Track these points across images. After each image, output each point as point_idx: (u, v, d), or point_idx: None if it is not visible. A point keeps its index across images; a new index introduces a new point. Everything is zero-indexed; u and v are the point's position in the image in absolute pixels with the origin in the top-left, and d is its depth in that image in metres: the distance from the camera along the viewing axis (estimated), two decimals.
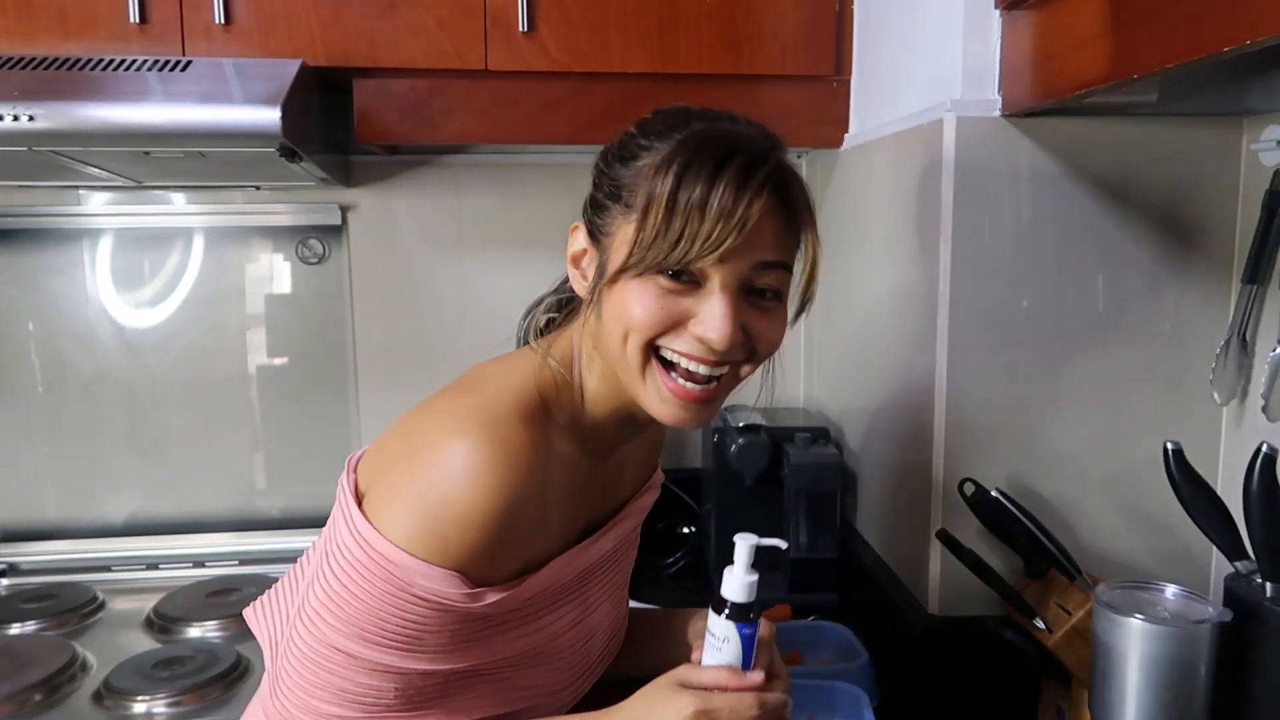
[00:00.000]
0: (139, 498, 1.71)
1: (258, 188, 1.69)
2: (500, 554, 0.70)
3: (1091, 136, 1.07)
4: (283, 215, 1.69)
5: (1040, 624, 1.02)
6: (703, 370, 0.72)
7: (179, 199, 1.69)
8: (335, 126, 1.52)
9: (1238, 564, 0.93)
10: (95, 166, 1.41)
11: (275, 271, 1.71)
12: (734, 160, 0.68)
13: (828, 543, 1.42)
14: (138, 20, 1.33)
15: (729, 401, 1.76)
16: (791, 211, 0.73)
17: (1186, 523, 0.95)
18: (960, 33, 1.08)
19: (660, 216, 0.68)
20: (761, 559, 0.77)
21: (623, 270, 0.71)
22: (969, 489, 1.05)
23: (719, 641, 0.77)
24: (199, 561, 1.66)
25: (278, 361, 1.73)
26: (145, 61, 1.28)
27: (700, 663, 0.78)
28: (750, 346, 0.74)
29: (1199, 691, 0.88)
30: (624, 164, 0.73)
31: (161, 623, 1.42)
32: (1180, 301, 1.11)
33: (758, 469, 1.43)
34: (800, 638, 1.25)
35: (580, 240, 0.78)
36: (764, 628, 0.78)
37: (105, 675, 1.24)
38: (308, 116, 1.34)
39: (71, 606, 1.47)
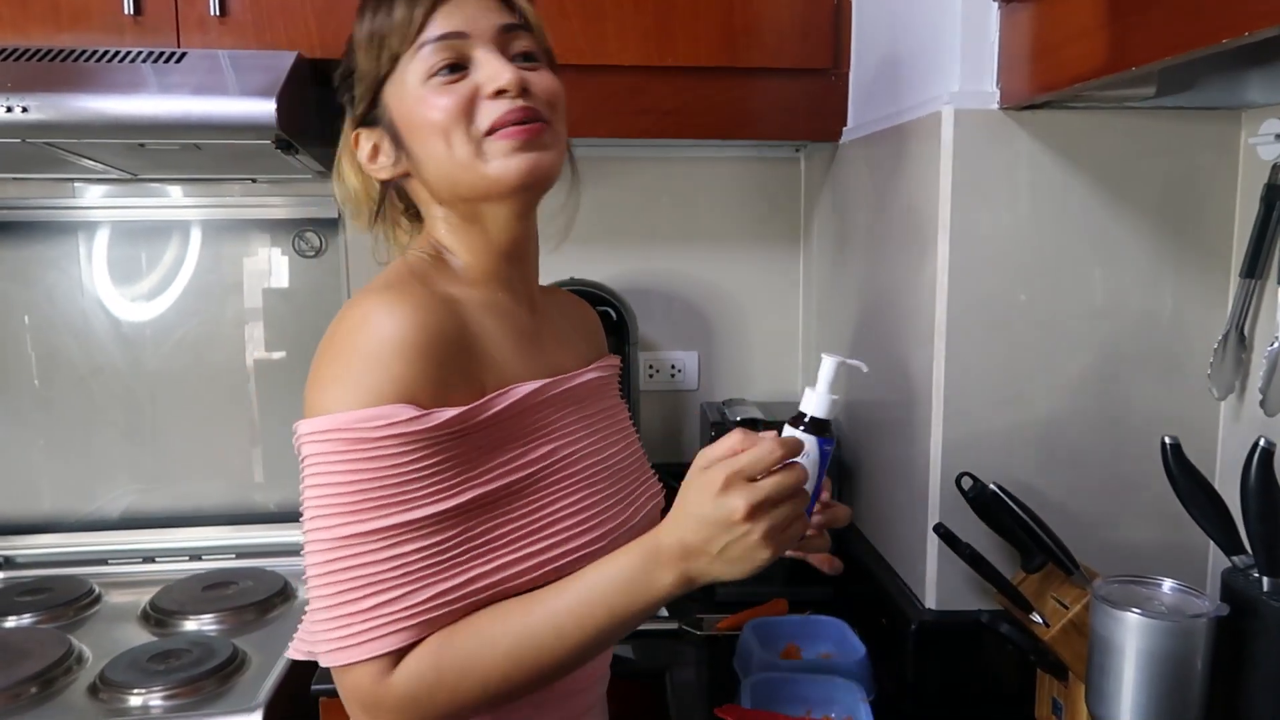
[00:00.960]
0: (135, 491, 1.71)
1: (254, 180, 1.68)
2: (439, 380, 0.73)
3: (1090, 130, 1.07)
4: (279, 208, 1.69)
5: (1037, 618, 1.02)
6: (518, 113, 0.79)
7: (175, 192, 1.69)
8: (331, 119, 1.51)
9: (1235, 558, 0.93)
10: (90, 159, 1.41)
11: (272, 265, 1.71)
12: None
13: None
14: (132, 11, 1.32)
15: (728, 395, 1.79)
16: None
17: (1184, 517, 0.95)
18: (958, 25, 1.07)
19: (399, 33, 0.80)
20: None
21: (413, 92, 0.80)
22: (966, 483, 1.05)
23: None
24: (195, 555, 1.67)
25: (275, 355, 1.73)
26: (139, 53, 1.27)
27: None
28: (544, 99, 0.81)
29: (1195, 686, 0.88)
30: (359, 45, 0.86)
31: (157, 616, 1.42)
32: (1178, 295, 1.10)
33: None
34: (797, 632, 1.26)
35: (366, 142, 0.87)
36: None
37: (101, 668, 1.24)
38: (303, 109, 1.33)
39: (67, 600, 1.47)
